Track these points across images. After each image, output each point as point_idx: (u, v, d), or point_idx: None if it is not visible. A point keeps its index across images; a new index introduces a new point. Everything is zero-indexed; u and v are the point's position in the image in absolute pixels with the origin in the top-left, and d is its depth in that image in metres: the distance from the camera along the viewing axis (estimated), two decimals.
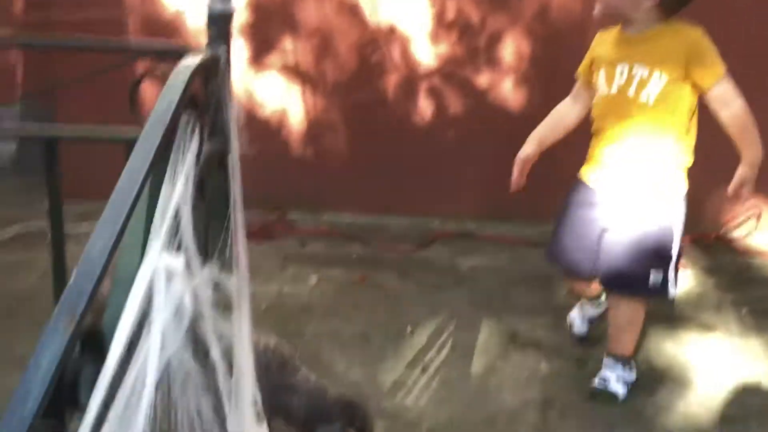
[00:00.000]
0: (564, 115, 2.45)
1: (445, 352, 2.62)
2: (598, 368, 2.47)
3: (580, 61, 3.45)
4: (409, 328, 2.74)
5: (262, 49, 3.63)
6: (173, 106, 1.04)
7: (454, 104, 3.61)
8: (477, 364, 2.54)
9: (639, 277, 2.21)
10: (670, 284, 2.22)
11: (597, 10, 2.20)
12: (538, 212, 3.68)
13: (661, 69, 2.09)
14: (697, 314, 2.83)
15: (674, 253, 2.21)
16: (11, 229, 3.36)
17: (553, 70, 3.50)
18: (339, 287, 3.05)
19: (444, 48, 3.52)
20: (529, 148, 2.42)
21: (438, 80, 3.58)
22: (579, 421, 2.24)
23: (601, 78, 2.23)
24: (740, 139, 2.10)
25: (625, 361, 2.34)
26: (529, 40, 3.49)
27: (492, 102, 3.58)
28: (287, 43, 3.59)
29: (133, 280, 0.96)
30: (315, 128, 3.68)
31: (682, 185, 2.23)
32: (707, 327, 2.75)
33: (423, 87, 3.59)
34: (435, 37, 3.52)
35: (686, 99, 2.13)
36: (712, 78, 2.08)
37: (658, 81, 2.09)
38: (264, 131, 3.68)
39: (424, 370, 2.50)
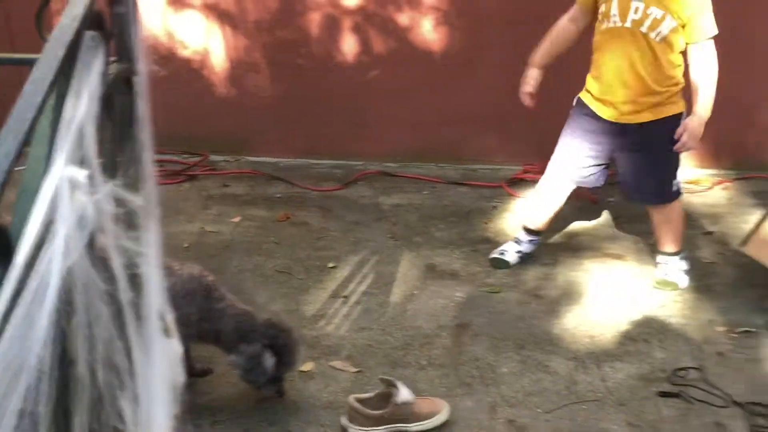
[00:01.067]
0: (564, 33, 2.69)
1: (365, 283, 2.69)
2: (511, 295, 2.60)
3: (499, 6, 3.53)
4: (330, 263, 2.81)
5: None
6: (77, 21, 1.05)
7: (378, 44, 3.63)
8: (396, 294, 2.63)
9: (666, 187, 2.62)
10: (680, 188, 2.66)
11: None
12: (459, 153, 3.78)
13: (671, 14, 2.39)
14: (604, 245, 2.97)
15: (680, 161, 2.62)
16: None
17: (474, 12, 3.56)
18: (262, 225, 3.09)
19: None
20: (528, 73, 2.76)
21: (360, 19, 3.59)
22: (490, 342, 2.36)
23: (614, 9, 2.46)
24: (699, 94, 2.46)
25: (677, 253, 2.70)
26: None
27: (414, 42, 3.62)
28: None
29: (38, 190, 0.99)
30: (237, 69, 3.66)
31: (682, 102, 2.56)
32: (613, 256, 2.89)
33: (346, 26, 3.60)
34: None
35: (681, 42, 2.46)
36: (699, 36, 2.42)
37: (668, 23, 2.41)
38: (185, 72, 3.65)
39: (344, 300, 2.58)
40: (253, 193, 3.39)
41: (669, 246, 2.72)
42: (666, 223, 2.70)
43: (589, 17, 2.61)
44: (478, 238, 3.02)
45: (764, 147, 3.69)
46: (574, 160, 2.70)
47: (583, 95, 2.66)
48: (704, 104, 2.46)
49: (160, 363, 1.20)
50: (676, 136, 2.50)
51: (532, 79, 2.72)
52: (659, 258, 2.75)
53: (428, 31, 3.61)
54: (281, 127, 3.71)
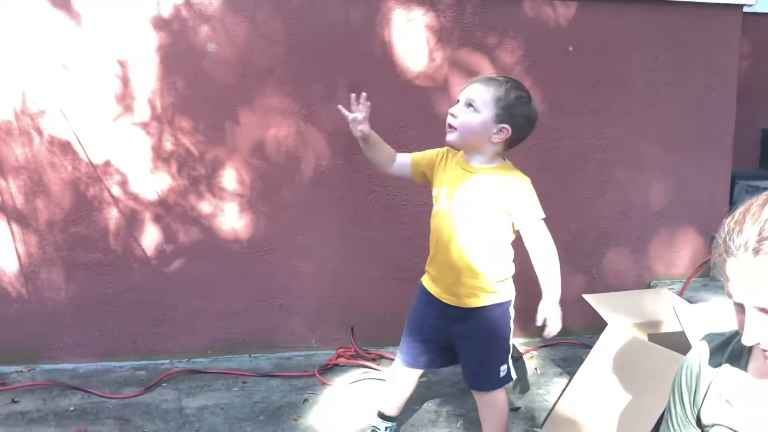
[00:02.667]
0: (393, 153, 2.65)
1: None
2: None
3: (294, 192, 3.60)
4: None
5: None
6: None
7: (181, 235, 3.56)
8: None
9: (493, 373, 2.54)
10: (511, 371, 2.57)
11: (453, 138, 2.46)
12: (271, 341, 3.69)
13: (492, 198, 2.42)
14: (414, 430, 2.92)
15: (511, 345, 2.56)
16: None
17: (276, 198, 3.59)
18: None
19: (164, 178, 3.49)
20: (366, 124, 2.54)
21: (161, 211, 3.52)
22: None
23: (442, 194, 2.50)
24: (543, 277, 2.44)
25: None
26: (248, 170, 3.55)
27: (219, 230, 3.58)
28: None
29: None
30: (28, 271, 3.46)
31: (511, 290, 2.55)
32: None
33: (146, 219, 3.51)
34: (154, 168, 3.48)
35: (507, 224, 2.46)
36: (528, 219, 2.43)
37: (490, 207, 2.42)
38: None
39: None
40: (44, 408, 3.12)
41: None
42: (491, 411, 2.62)
43: (408, 176, 2.65)
44: None
45: (565, 313, 3.83)
46: (413, 344, 2.65)
47: (423, 278, 2.65)
48: (553, 283, 2.43)
49: None
50: (539, 323, 2.42)
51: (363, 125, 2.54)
52: None
53: (232, 218, 3.59)
54: (78, 330, 3.50)
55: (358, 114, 2.50)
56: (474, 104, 2.41)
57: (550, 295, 2.42)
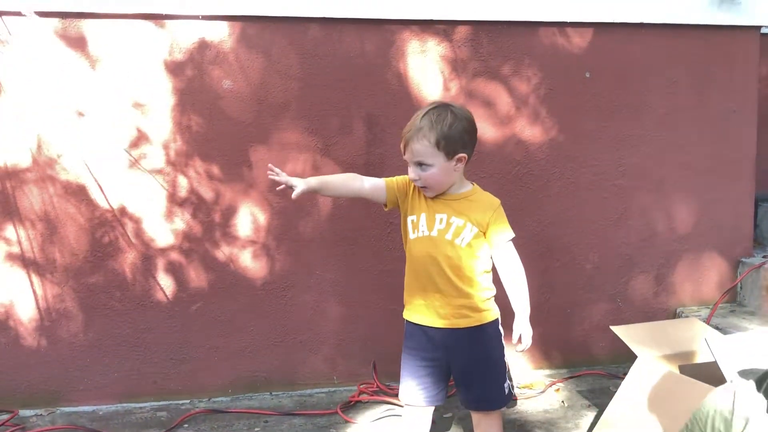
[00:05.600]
0: (353, 182, 2.64)
1: None
2: None
3: (317, 229, 3.57)
4: None
5: None
6: None
7: (197, 277, 3.53)
8: None
9: (498, 392, 2.56)
10: (513, 389, 2.60)
11: (431, 193, 2.53)
12: (292, 378, 3.64)
13: (471, 222, 2.50)
14: None
15: (506, 363, 2.59)
16: None
17: (292, 236, 3.55)
18: None
19: (181, 217, 3.47)
20: (302, 182, 2.54)
21: (177, 256, 3.49)
22: None
23: (422, 221, 2.55)
24: (513, 294, 2.53)
25: None
26: (265, 206, 3.52)
27: (235, 270, 3.55)
28: (9, 232, 3.37)
29: None
30: (47, 317, 3.44)
31: (497, 308, 2.57)
32: None
33: (161, 264, 3.49)
34: (169, 215, 3.46)
35: (485, 249, 2.54)
36: (501, 240, 2.53)
37: (469, 231, 2.49)
38: None
39: None
40: None
41: None
42: (496, 428, 2.62)
43: (380, 200, 2.64)
44: None
45: (591, 342, 3.78)
46: (416, 383, 2.59)
47: (406, 313, 2.62)
48: (525, 300, 2.53)
49: None
50: (514, 341, 2.50)
51: (292, 182, 2.55)
52: None
53: (250, 254, 3.56)
54: (98, 373, 3.47)
55: (286, 181, 2.54)
56: (424, 162, 2.47)
57: (524, 310, 2.52)
